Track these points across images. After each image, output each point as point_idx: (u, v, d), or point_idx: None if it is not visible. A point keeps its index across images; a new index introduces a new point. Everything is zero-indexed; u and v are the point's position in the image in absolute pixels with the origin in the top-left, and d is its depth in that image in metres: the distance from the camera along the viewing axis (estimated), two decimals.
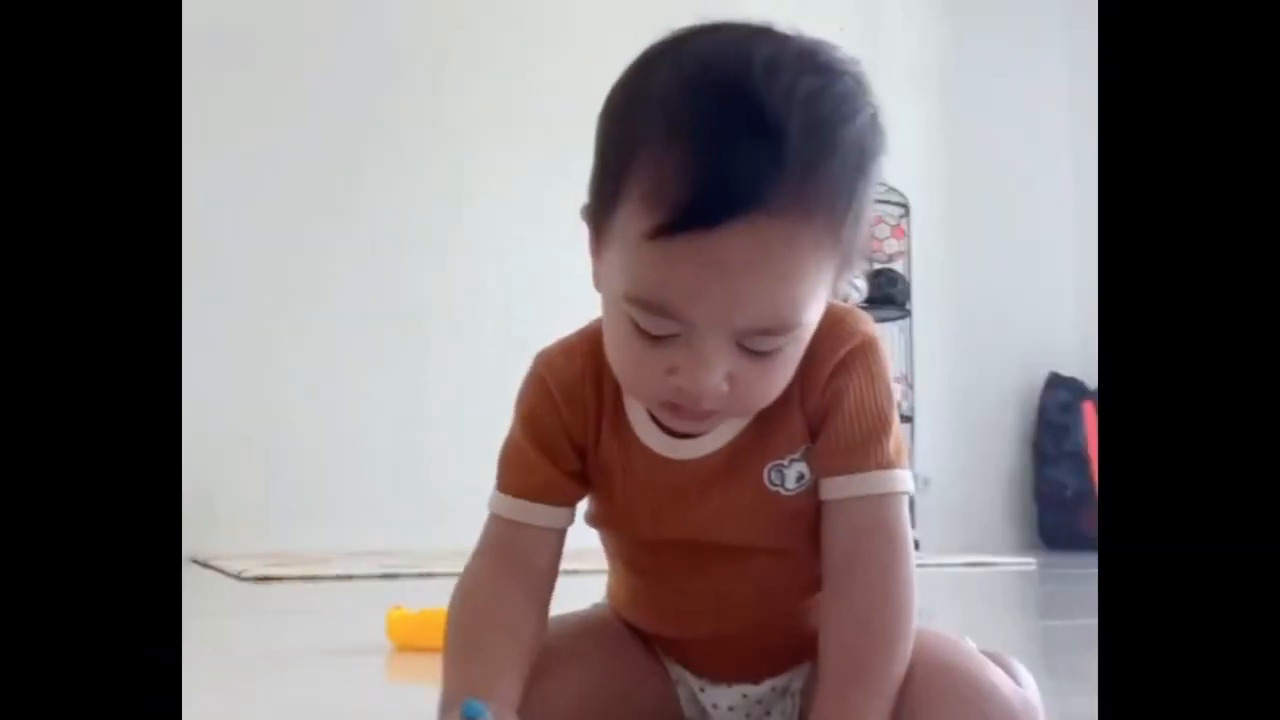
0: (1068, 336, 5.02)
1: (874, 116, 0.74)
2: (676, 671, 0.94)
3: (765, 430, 0.83)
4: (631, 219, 0.72)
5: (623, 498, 0.86)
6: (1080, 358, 4.93)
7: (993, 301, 5.11)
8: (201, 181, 3.83)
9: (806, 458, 0.83)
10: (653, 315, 0.72)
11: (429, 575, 2.91)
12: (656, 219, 0.70)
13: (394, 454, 4.29)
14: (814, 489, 0.84)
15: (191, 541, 3.56)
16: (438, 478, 4.00)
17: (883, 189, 4.70)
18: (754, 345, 0.73)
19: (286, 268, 4.35)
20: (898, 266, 4.73)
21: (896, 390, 4.63)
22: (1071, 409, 4.98)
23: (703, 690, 0.93)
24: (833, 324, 0.81)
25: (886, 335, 4.63)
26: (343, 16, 4.48)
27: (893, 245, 4.71)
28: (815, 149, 0.70)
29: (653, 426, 0.84)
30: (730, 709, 0.93)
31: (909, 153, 4.96)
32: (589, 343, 0.85)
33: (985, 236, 5.14)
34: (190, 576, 3.06)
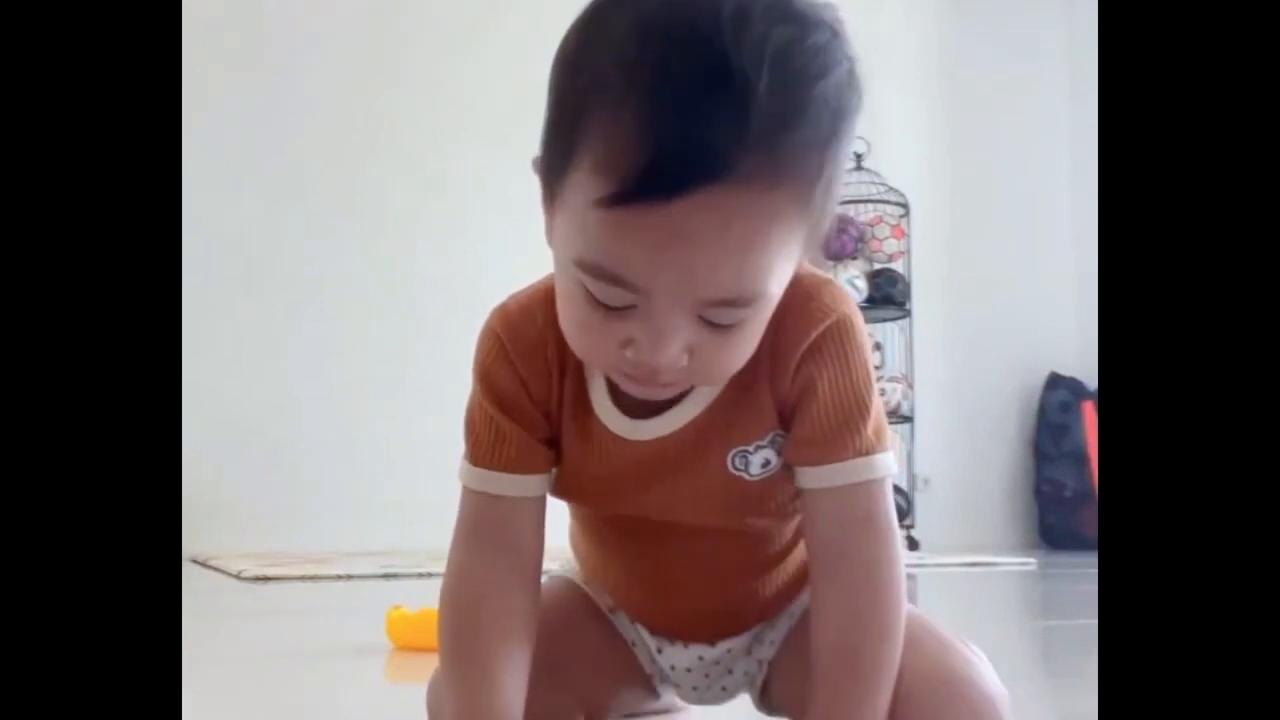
0: (1068, 336, 5.03)
1: (851, 71, 0.68)
2: (634, 633, 0.95)
3: (731, 412, 0.79)
4: (584, 183, 0.66)
5: (581, 474, 0.84)
6: (1080, 358, 4.94)
7: (993, 301, 5.12)
8: (201, 181, 3.83)
9: (774, 444, 0.80)
10: (607, 284, 0.67)
11: (429, 575, 2.91)
12: (610, 186, 0.64)
13: (394, 454, 4.29)
14: (779, 474, 0.82)
15: (191, 541, 3.56)
16: (438, 478, 4.00)
17: (883, 189, 4.72)
18: (715, 318, 0.69)
19: (286, 268, 4.35)
20: (898, 266, 4.72)
21: (896, 390, 4.63)
22: (1071, 409, 4.99)
23: (660, 651, 0.94)
24: (805, 299, 0.77)
25: (886, 335, 4.67)
26: (343, 17, 4.48)
27: (893, 245, 4.71)
28: (785, 109, 0.64)
29: (611, 406, 0.81)
30: (688, 670, 0.94)
31: (909, 153, 4.97)
32: (550, 304, 0.78)
33: (985, 236, 5.14)
34: (190, 576, 3.07)
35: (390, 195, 4.43)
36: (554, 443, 0.83)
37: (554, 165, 0.69)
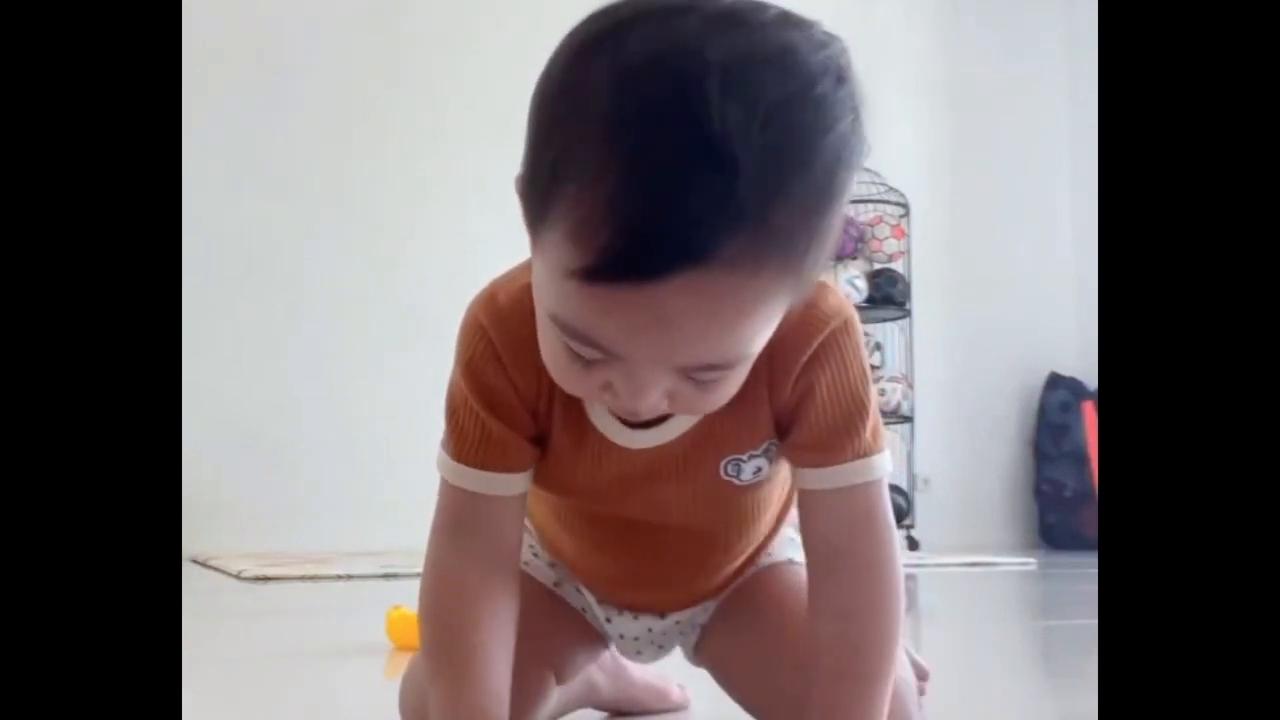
0: (1068, 336, 5.03)
1: (855, 119, 0.62)
2: (581, 600, 0.97)
3: (728, 423, 0.79)
4: (558, 246, 0.61)
5: (568, 474, 0.83)
6: (1080, 358, 4.94)
7: (993, 301, 5.12)
8: (202, 181, 3.84)
9: (767, 453, 0.81)
10: (582, 345, 0.64)
11: None
12: (583, 259, 0.59)
13: (394, 454, 4.28)
14: (769, 479, 0.84)
15: (191, 541, 3.56)
16: (438, 478, 4.00)
17: (883, 189, 4.72)
18: (696, 376, 0.66)
19: (287, 268, 4.35)
20: (898, 266, 4.73)
21: (896, 390, 4.63)
22: (1071, 409, 4.99)
23: (609, 621, 0.97)
24: (805, 308, 0.74)
25: (886, 335, 4.67)
26: (343, 16, 4.48)
27: (893, 245, 4.71)
28: (775, 183, 0.58)
29: (607, 414, 0.80)
30: (635, 639, 0.97)
31: (909, 153, 4.97)
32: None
33: (985, 236, 5.14)
34: (190, 576, 3.07)
35: (391, 195, 4.43)
36: (539, 439, 0.82)
37: (532, 209, 0.64)
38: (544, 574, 0.98)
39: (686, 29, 0.59)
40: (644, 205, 0.58)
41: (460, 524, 0.83)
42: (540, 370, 0.76)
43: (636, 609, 0.96)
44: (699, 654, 0.98)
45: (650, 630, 0.97)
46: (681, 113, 0.57)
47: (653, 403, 0.67)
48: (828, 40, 0.63)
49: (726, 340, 0.63)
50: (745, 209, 0.58)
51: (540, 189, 0.62)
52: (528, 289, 0.74)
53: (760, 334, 0.65)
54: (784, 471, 0.85)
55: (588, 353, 0.65)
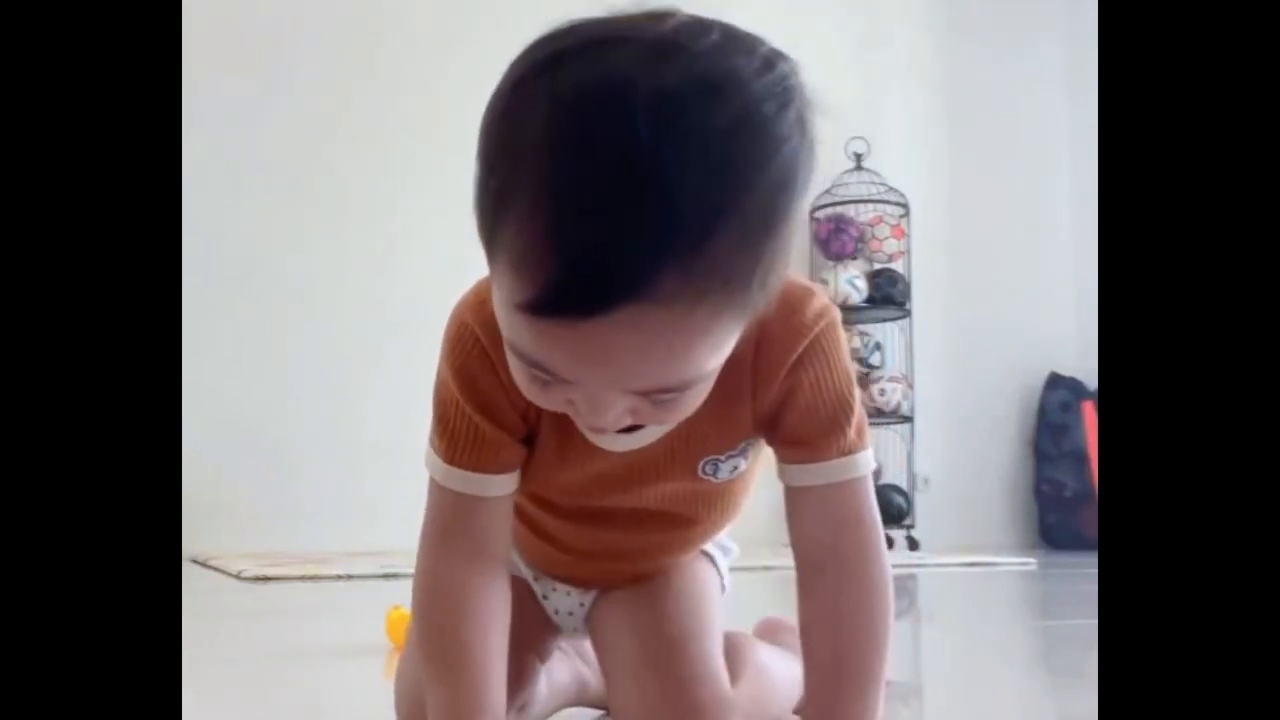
0: (1068, 336, 5.03)
1: (801, 142, 0.61)
2: (523, 575, 0.99)
3: (708, 426, 0.79)
4: (504, 276, 0.62)
5: (553, 472, 0.84)
6: (1080, 358, 4.93)
7: (993, 301, 5.12)
8: (201, 181, 3.84)
9: (744, 453, 0.83)
10: (535, 370, 0.65)
11: None
12: (526, 293, 0.60)
13: (394, 454, 4.28)
14: (745, 475, 0.86)
15: (191, 541, 3.56)
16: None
17: (883, 189, 4.72)
18: (654, 398, 0.66)
19: (287, 268, 4.35)
20: (898, 266, 4.73)
21: (896, 390, 4.63)
22: (1071, 409, 4.99)
23: (545, 597, 1.00)
24: (789, 313, 0.75)
25: (886, 335, 4.67)
26: (342, 18, 4.48)
27: (893, 245, 4.71)
28: (714, 211, 0.58)
29: None
30: (570, 613, 1.00)
31: (909, 153, 4.97)
32: None
33: (985, 236, 5.14)
34: (190, 576, 3.07)
35: (391, 196, 4.43)
36: (528, 439, 0.83)
37: (482, 234, 0.64)
38: None
39: (621, 61, 0.58)
40: (580, 242, 0.57)
41: (451, 525, 0.83)
42: None
43: (580, 586, 0.99)
44: (587, 619, 1.00)
45: (582, 605, 1.00)
46: (613, 148, 0.56)
47: (613, 419, 0.66)
48: (773, 61, 0.61)
49: (672, 368, 0.63)
50: (681, 242, 0.57)
51: (487, 217, 0.62)
52: None
53: (711, 357, 0.64)
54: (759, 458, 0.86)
55: (541, 375, 0.65)
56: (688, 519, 0.91)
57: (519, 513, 0.92)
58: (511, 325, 0.64)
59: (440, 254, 4.44)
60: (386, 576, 2.92)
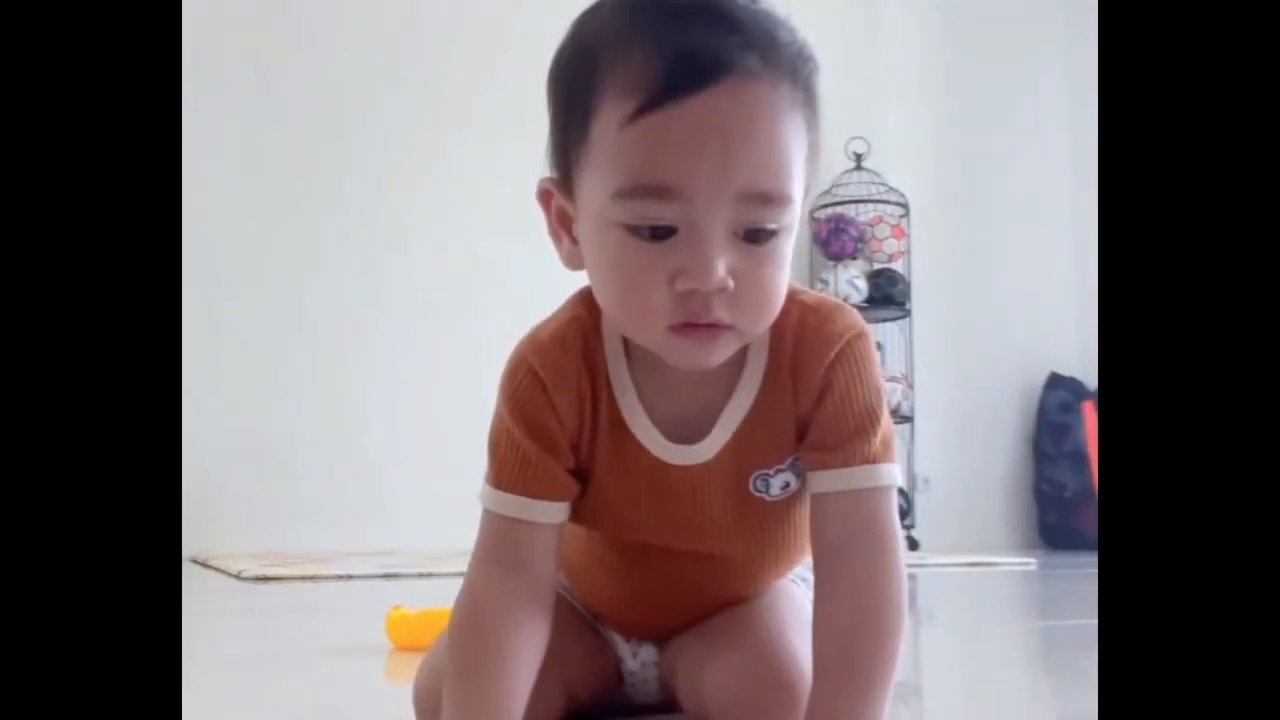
0: (1068, 336, 5.03)
1: (806, 46, 0.77)
2: (609, 635, 1.00)
3: (759, 437, 0.83)
4: (610, 117, 0.72)
5: (610, 501, 0.86)
6: (1080, 358, 4.93)
7: (993, 301, 5.12)
8: (201, 181, 3.84)
9: (794, 469, 0.85)
10: (648, 201, 0.72)
11: (429, 575, 2.91)
12: (638, 100, 0.70)
13: (394, 454, 4.29)
14: (797, 495, 0.86)
15: (191, 541, 3.56)
16: (438, 477, 4.01)
17: (883, 189, 4.72)
18: (751, 220, 0.73)
19: (287, 268, 4.35)
20: (898, 266, 4.72)
21: (896, 390, 4.63)
22: (1071, 409, 4.98)
23: (635, 655, 1.00)
24: (821, 322, 0.82)
25: (886, 335, 4.67)
26: (343, 18, 4.48)
27: (893, 245, 4.71)
28: (769, 32, 0.73)
29: (650, 425, 0.84)
30: (655, 664, 1.00)
31: (909, 153, 4.97)
32: (581, 332, 0.84)
33: (985, 236, 5.14)
34: (190, 576, 3.07)
35: (391, 197, 4.43)
36: (578, 473, 0.85)
37: (571, 137, 0.75)
38: (581, 605, 1.00)
39: None
40: (677, 44, 0.70)
41: (498, 550, 0.84)
42: (583, 399, 0.82)
43: (654, 637, 0.98)
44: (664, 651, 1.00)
45: (656, 663, 0.99)
46: None
47: (720, 274, 0.72)
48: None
49: (769, 154, 0.72)
50: (750, 42, 0.72)
51: (581, 98, 0.74)
52: (566, 323, 0.84)
53: (794, 167, 0.74)
54: None
55: (653, 213, 0.71)
56: (744, 560, 0.91)
57: (603, 566, 0.94)
58: (620, 162, 0.72)
59: (442, 256, 4.45)
60: (386, 576, 2.92)
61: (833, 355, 0.81)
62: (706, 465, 0.84)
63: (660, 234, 0.72)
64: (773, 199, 0.73)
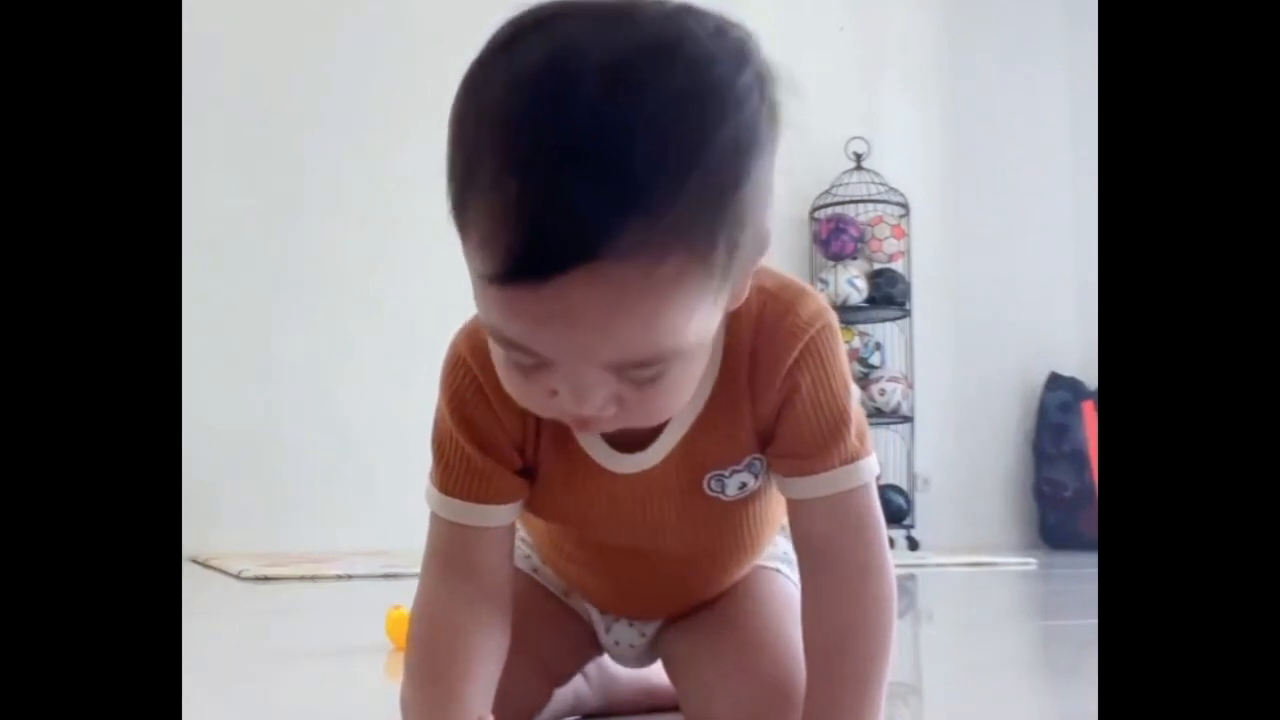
0: (1068, 336, 5.03)
1: (756, 108, 0.62)
2: (586, 609, 1.00)
3: (711, 439, 0.79)
4: (473, 255, 0.63)
5: (561, 502, 0.84)
6: (1080, 358, 4.93)
7: (993, 301, 5.11)
8: (202, 183, 3.84)
9: (751, 469, 0.81)
10: (511, 350, 0.65)
11: None
12: (492, 265, 0.61)
13: (394, 454, 4.28)
14: (753, 494, 0.84)
15: (191, 541, 3.56)
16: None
17: (883, 189, 4.72)
18: (632, 375, 0.65)
19: (287, 268, 4.35)
20: (898, 266, 4.72)
21: (896, 390, 4.63)
22: (1071, 409, 4.98)
23: (608, 630, 1.00)
24: (780, 316, 0.76)
25: (886, 335, 4.66)
26: (345, 18, 4.48)
27: (893, 245, 4.71)
28: (666, 178, 0.59)
29: (596, 437, 0.80)
30: (631, 645, 1.00)
31: (909, 153, 4.97)
32: None
33: (985, 236, 5.14)
34: (190, 576, 3.07)
35: (391, 198, 4.43)
36: (527, 471, 0.83)
37: (455, 219, 0.65)
38: (554, 584, 1.00)
39: (574, 31, 0.60)
40: (536, 208, 0.59)
41: (449, 556, 0.83)
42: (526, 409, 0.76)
43: (634, 617, 0.99)
44: (654, 647, 1.01)
45: (643, 636, 1.00)
46: (565, 114, 0.58)
47: (598, 407, 0.66)
48: (726, 27, 0.63)
49: (642, 333, 0.62)
50: (634, 202, 0.58)
51: (456, 206, 0.63)
52: None
53: (683, 326, 0.63)
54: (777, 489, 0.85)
55: (519, 358, 0.65)
56: (709, 554, 0.91)
57: (566, 555, 0.94)
58: (486, 307, 0.64)
59: (441, 256, 4.44)
60: (386, 576, 2.92)
61: (795, 355, 0.76)
62: (651, 473, 0.81)
63: (534, 368, 0.65)
64: (649, 363, 0.64)
